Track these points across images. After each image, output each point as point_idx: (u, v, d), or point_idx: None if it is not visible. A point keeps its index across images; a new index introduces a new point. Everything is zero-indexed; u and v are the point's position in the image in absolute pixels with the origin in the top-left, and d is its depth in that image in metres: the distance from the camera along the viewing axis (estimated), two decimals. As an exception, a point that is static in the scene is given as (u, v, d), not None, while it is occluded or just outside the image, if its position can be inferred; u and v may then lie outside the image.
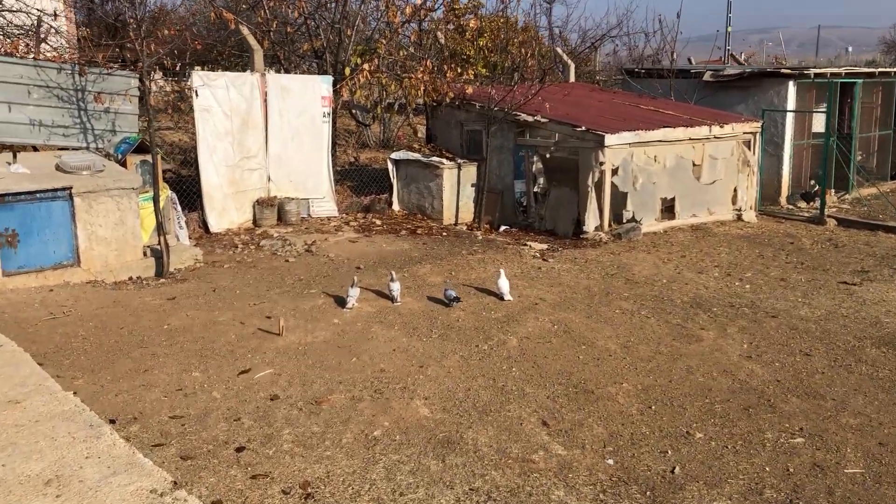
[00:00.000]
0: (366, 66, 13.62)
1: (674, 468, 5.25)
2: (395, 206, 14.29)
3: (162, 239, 9.95)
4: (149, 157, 10.61)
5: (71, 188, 9.42)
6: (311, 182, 13.46)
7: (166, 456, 5.17)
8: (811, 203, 16.09)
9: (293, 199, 13.10)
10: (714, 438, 5.69)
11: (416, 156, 14.02)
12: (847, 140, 16.87)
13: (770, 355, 7.44)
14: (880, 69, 17.97)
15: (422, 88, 13.72)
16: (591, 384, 6.64)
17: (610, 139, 12.03)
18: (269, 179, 12.97)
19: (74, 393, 6.04)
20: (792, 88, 15.69)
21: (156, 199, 10.04)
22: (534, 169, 13.16)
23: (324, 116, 13.44)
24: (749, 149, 14.65)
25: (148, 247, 10.27)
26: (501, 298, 8.94)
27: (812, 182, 16.97)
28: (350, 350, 7.31)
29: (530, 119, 12.93)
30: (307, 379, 6.59)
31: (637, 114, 14.14)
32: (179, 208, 11.39)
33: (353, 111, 17.18)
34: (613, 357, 7.29)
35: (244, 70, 13.31)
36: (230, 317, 8.21)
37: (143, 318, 8.14)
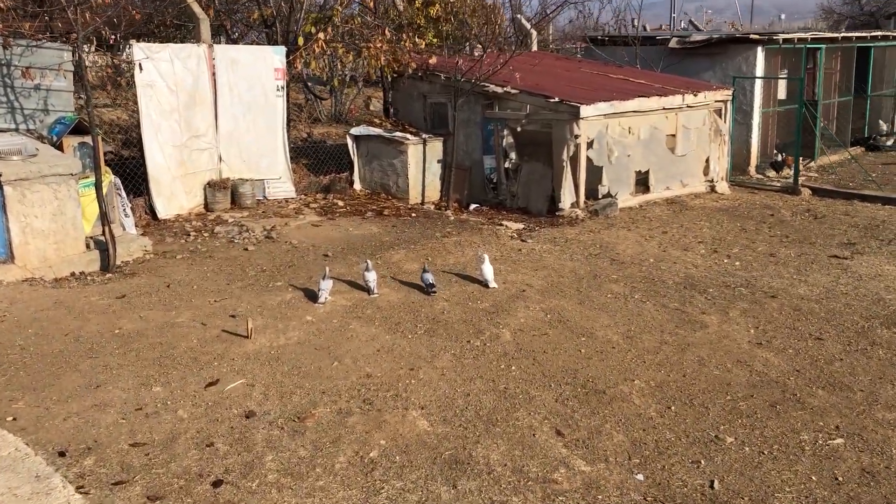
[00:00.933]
0: (321, 35, 12.68)
1: (712, 482, 4.68)
2: (357, 186, 13.46)
3: (107, 229, 8.99)
4: (88, 139, 9.59)
5: (0, 176, 8.38)
6: (266, 161, 12.54)
7: (131, 496, 4.38)
8: (780, 172, 15.81)
9: (247, 180, 12.18)
10: (747, 443, 5.15)
11: (378, 131, 13.19)
12: (811, 107, 16.61)
13: (780, 341, 6.95)
14: (843, 34, 17.70)
15: (382, 59, 12.85)
16: (600, 382, 6.03)
17: (585, 110, 11.40)
18: (220, 160, 12.02)
19: (13, 418, 5.21)
20: (760, 54, 15.28)
21: (98, 186, 9.06)
22: (504, 143, 12.46)
23: (277, 90, 12.49)
24: (720, 117, 14.20)
25: (91, 238, 9.30)
26: (486, 286, 8.27)
27: (776, 151, 16.69)
28: (329, 352, 6.57)
29: (500, 90, 12.22)
30: (285, 389, 5.83)
31: (608, 83, 13.54)
32: (124, 194, 10.40)
33: (308, 84, 16.19)
34: (617, 349, 6.71)
35: (185, 43, 12.26)
36: (189, 317, 7.37)
37: (90, 322, 7.24)
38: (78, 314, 7.45)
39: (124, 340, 6.77)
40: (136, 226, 10.56)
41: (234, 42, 14.21)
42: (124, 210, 10.23)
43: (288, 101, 13.07)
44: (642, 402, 5.72)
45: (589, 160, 11.81)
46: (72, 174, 8.95)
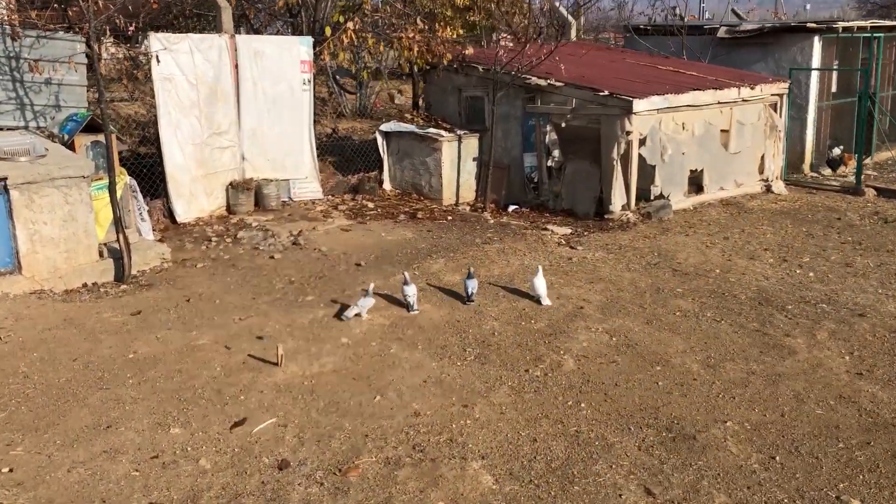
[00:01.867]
0: (349, 24, 11.86)
1: (848, 564, 3.82)
2: (387, 186, 12.65)
3: (121, 236, 8.24)
4: (101, 137, 8.84)
5: (6, 179, 7.65)
6: (292, 160, 11.75)
7: (141, 582, 3.61)
8: (836, 170, 14.81)
9: (272, 180, 11.39)
10: (877, 508, 4.28)
11: (410, 127, 12.36)
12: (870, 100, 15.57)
13: (882, 371, 6.06)
14: (901, 22, 16.60)
15: (415, 50, 12.01)
16: (686, 424, 5.18)
17: (638, 104, 10.50)
18: (243, 158, 11.24)
19: (10, 469, 4.45)
20: (817, 44, 14.28)
21: (112, 188, 8.31)
22: (547, 140, 11.59)
23: (304, 84, 11.69)
24: (776, 112, 13.23)
25: (105, 245, 8.57)
26: (539, 303, 7.43)
27: (830, 145, 15.67)
28: (369, 383, 5.77)
29: (543, 83, 11.34)
30: (322, 431, 5.04)
31: (658, 75, 12.61)
32: (140, 196, 9.66)
33: (336, 77, 15.39)
34: (699, 381, 5.85)
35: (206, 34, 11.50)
36: (212, 339, 6.59)
37: (102, 344, 6.48)
38: (89, 334, 6.70)
39: (139, 367, 6.00)
40: (154, 230, 9.82)
41: (257, 32, 13.43)
42: (140, 214, 9.49)
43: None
44: (740, 451, 4.86)
45: (641, 159, 10.91)
46: (84, 176, 8.21)
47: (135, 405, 5.39)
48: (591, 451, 4.84)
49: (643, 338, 6.69)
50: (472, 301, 7.39)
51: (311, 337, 6.61)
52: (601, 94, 10.74)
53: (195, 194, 10.64)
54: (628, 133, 10.62)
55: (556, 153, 11.58)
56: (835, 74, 15.63)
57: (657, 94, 10.86)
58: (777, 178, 13.32)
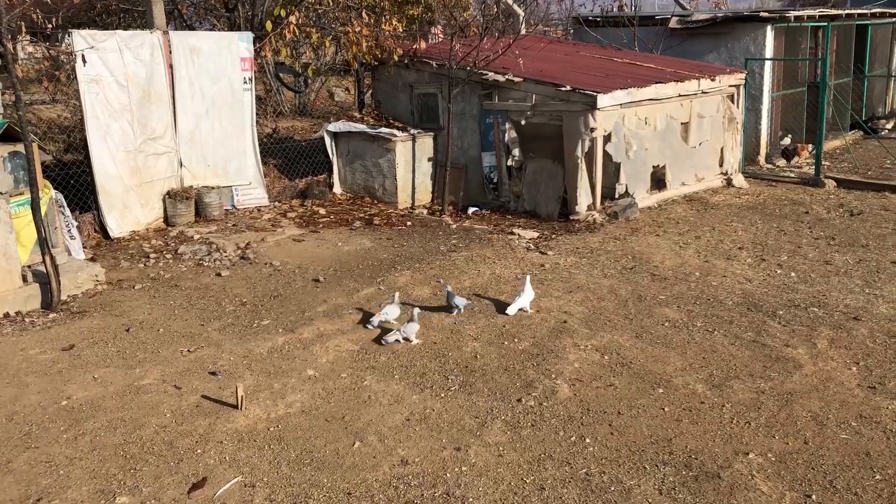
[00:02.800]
0: (291, 18, 11.05)
1: None
2: (338, 189, 11.90)
3: (47, 257, 7.33)
4: (20, 147, 7.86)
5: None
6: (234, 165, 10.91)
7: None
8: (791, 161, 14.66)
9: (213, 188, 10.54)
10: (935, 553, 3.81)
11: (361, 127, 11.63)
12: (816, 90, 15.49)
13: (895, 382, 5.66)
14: (846, 12, 16.59)
15: (363, 45, 11.28)
16: (706, 459, 4.66)
17: (602, 100, 10.00)
18: (181, 165, 10.35)
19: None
20: (770, 34, 14.05)
21: (35, 204, 7.39)
22: (506, 138, 11.01)
23: (245, 83, 10.86)
24: (733, 103, 12.96)
25: (29, 268, 7.64)
26: (524, 310, 6.88)
27: (781, 136, 15.54)
28: (344, 424, 5.08)
29: (501, 78, 10.74)
30: (297, 490, 4.34)
31: (617, 69, 12.17)
32: (68, 211, 8.72)
33: (279, 75, 14.51)
34: (708, 405, 5.34)
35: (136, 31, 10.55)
36: (158, 377, 5.80)
37: (28, 389, 5.63)
38: (12, 377, 5.83)
39: (75, 417, 5.19)
40: (85, 248, 8.90)
41: (190, 29, 12.50)
42: (69, 231, 8.55)
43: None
44: (772, 490, 4.36)
45: (606, 156, 10.43)
46: (1, 193, 7.26)
47: (71, 467, 4.59)
48: (607, 500, 4.26)
49: (637, 354, 6.16)
50: (458, 311, 6.95)
51: (272, 370, 5.88)
52: (563, 89, 10.21)
53: (129, 206, 9.72)
54: (592, 130, 10.12)
55: (516, 152, 11.01)
56: (781, 64, 15.50)
57: (620, 89, 10.38)
58: (736, 171, 13.06)
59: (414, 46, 11.56)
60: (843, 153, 15.47)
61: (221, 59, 10.49)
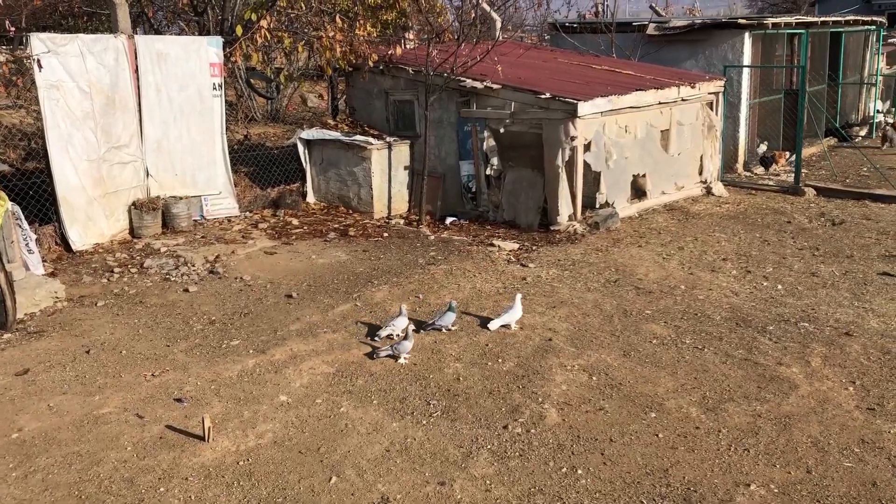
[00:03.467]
0: (263, 22, 10.69)
1: None
2: (311, 199, 11.55)
3: (2, 274, 6.91)
4: (-26, 158, 7.44)
5: None
6: (203, 175, 10.51)
7: None
8: (769, 168, 14.56)
9: (181, 198, 10.14)
10: None
11: (335, 134, 11.29)
12: (794, 97, 15.44)
13: (894, 403, 5.47)
14: (821, 19, 16.59)
15: (337, 50, 10.95)
16: (705, 490, 4.40)
17: (583, 108, 9.77)
18: (147, 174, 9.94)
19: None
20: (748, 41, 13.94)
21: (-11, 218, 6.97)
22: (484, 147, 10.74)
23: (214, 89, 10.47)
24: (712, 110, 12.81)
25: (-18, 286, 7.18)
26: (508, 327, 6.62)
27: (757, 143, 15.45)
28: (320, 457, 4.75)
29: (479, 85, 10.47)
30: (269, 533, 4.00)
31: (596, 76, 11.96)
32: (25, 224, 8.27)
33: (250, 81, 14.12)
34: (703, 430, 5.09)
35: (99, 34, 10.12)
36: (119, 404, 5.42)
37: (-23, 419, 5.23)
38: (-39, 406, 5.41)
39: (26, 452, 4.80)
40: (44, 262, 8.46)
41: (158, 33, 12.09)
42: (27, 245, 8.11)
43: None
44: (776, 525, 4.11)
45: (586, 165, 10.19)
46: (-48, 206, 6.84)
47: (21, 510, 4.22)
48: (604, 539, 3.99)
49: (625, 375, 5.90)
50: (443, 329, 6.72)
51: (241, 396, 5.53)
52: (543, 96, 9.96)
53: (93, 217, 9.29)
54: (573, 138, 9.88)
55: (494, 161, 10.74)
56: (757, 71, 15.42)
57: (601, 96, 10.16)
58: (716, 179, 12.92)
59: (389, 52, 11.25)
60: (820, 160, 15.43)
61: (190, 64, 10.10)
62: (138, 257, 8.85)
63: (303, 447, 4.85)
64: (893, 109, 20.68)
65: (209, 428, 4.84)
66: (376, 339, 6.46)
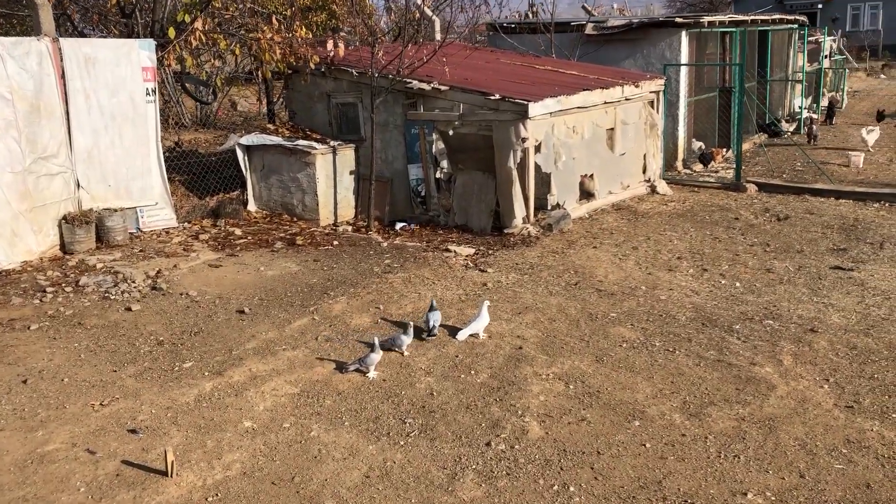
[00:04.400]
0: (197, 24, 10.21)
1: None
2: (252, 207, 11.10)
3: (-77, 299, 6.32)
4: None
5: None
6: (138, 185, 9.96)
7: None
8: (708, 165, 14.75)
9: (116, 210, 9.58)
10: None
11: (277, 139, 10.87)
12: (727, 94, 15.74)
13: (870, 400, 5.46)
14: (751, 17, 16.94)
15: (277, 52, 10.54)
16: (703, 502, 4.25)
17: (534, 108, 9.63)
18: (78, 186, 9.36)
19: None
20: (685, 39, 14.09)
21: None
22: (433, 150, 10.50)
23: (147, 94, 9.94)
24: (654, 109, 12.89)
25: None
26: (476, 336, 6.40)
27: (695, 141, 15.66)
28: (296, 488, 4.43)
29: (426, 87, 10.22)
30: (250, 578, 3.66)
31: (541, 76, 11.86)
32: (-54, 243, 7.64)
33: (185, 85, 13.52)
34: (689, 437, 4.96)
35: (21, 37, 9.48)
36: (67, 439, 4.97)
37: None
38: None
39: (-35, 500, 4.32)
40: (-32, 284, 7.83)
41: (84, 36, 11.44)
42: (-51, 266, 7.48)
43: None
44: (779, 535, 3.99)
45: (537, 167, 10.06)
46: None
47: (-36, 568, 3.76)
48: (609, 562, 3.79)
49: (602, 382, 5.75)
50: (434, 335, 6.49)
51: (202, 423, 5.14)
52: (492, 98, 9.78)
53: (20, 233, 8.68)
54: (524, 140, 9.74)
55: (444, 164, 10.51)
56: (693, 69, 15.63)
57: (550, 97, 10.05)
58: (659, 177, 12.99)
59: (331, 53, 10.89)
60: (754, 156, 15.74)
61: (121, 68, 9.55)
62: (73, 275, 8.29)
63: (275, 477, 4.52)
64: (815, 105, 21.36)
65: (172, 461, 4.45)
66: (424, 337, 6.45)
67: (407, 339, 6.16)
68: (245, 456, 4.74)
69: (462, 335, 6.46)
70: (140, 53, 9.75)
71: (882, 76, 32.50)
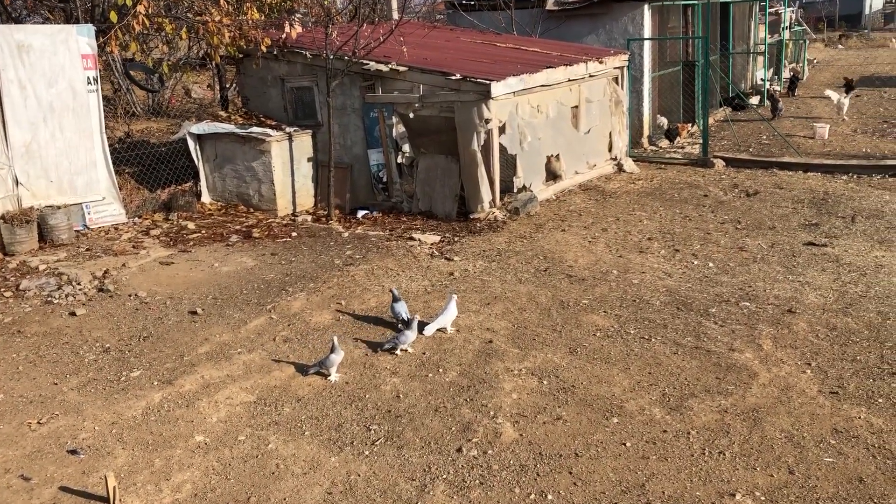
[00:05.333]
0: (140, 7, 9.64)
1: None
2: (206, 199, 10.63)
3: None
4: None
5: None
6: (83, 179, 9.45)
7: None
8: (674, 141, 14.53)
9: (59, 207, 9.08)
10: None
11: (229, 127, 10.39)
12: (691, 69, 15.53)
13: (855, 384, 5.25)
14: (713, -10, 16.68)
15: (226, 35, 10.04)
16: (688, 507, 3.99)
17: (497, 88, 9.28)
18: (17, 183, 8.84)
19: None
20: (647, 13, 13.80)
21: None
22: (394, 133, 10.10)
23: (89, 83, 9.40)
24: (618, 85, 12.61)
25: None
26: (444, 331, 6.06)
27: (660, 117, 15.44)
28: (252, 508, 4.07)
29: (384, 68, 9.80)
30: None
31: (502, 54, 11.49)
32: None
33: (129, 73, 12.90)
34: (671, 433, 4.70)
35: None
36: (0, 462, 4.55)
37: None
38: None
39: None
40: None
41: (18, 22, 10.80)
42: None
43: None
44: (772, 540, 3.73)
45: (502, 148, 9.72)
46: None
47: None
48: (593, 580, 3.50)
49: (577, 375, 5.46)
50: (413, 329, 6.01)
51: (150, 440, 4.75)
52: (453, 78, 9.40)
53: (-47, 236, 8.14)
54: (487, 121, 9.38)
55: (405, 148, 10.13)
56: (656, 44, 15.38)
57: (513, 76, 9.69)
58: (625, 155, 12.73)
59: (283, 35, 10.40)
60: (719, 130, 15.56)
61: (58, 56, 9.00)
62: (13, 278, 7.79)
63: (230, 498, 4.16)
64: (777, 77, 21.29)
65: (114, 488, 4.06)
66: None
67: (412, 336, 5.82)
68: (196, 475, 4.37)
69: (429, 330, 6.13)
70: (79, 40, 9.20)
71: (840, 46, 32.67)
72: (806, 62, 23.08)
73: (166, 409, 5.12)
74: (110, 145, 10.34)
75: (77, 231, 9.20)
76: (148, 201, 10.35)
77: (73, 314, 6.89)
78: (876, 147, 12.89)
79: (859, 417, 4.80)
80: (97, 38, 9.48)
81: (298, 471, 4.40)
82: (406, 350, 5.80)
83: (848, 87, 17.53)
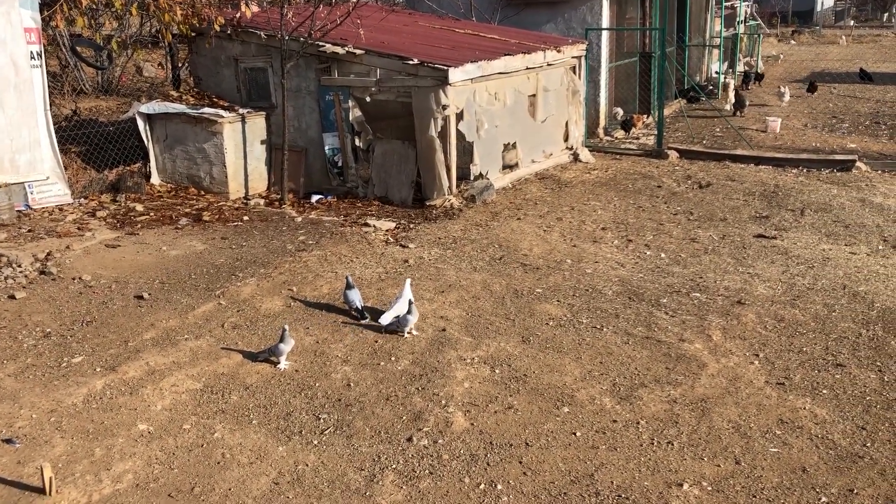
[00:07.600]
0: (87, -19, 9.34)
1: None
2: (156, 180, 10.37)
3: None
4: None
5: None
6: (25, 158, 9.14)
7: None
8: (629, 132, 14.64)
9: (0, 186, 8.74)
10: None
11: (180, 107, 10.14)
12: (647, 60, 15.65)
13: (800, 375, 5.33)
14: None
15: (178, 12, 9.77)
16: (637, 496, 4.01)
17: (455, 74, 9.20)
18: (-45, 160, 8.48)
19: None
20: (606, 3, 13.85)
21: None
22: (349, 117, 9.95)
23: (32, 58, 9.07)
24: (576, 75, 12.62)
25: None
26: (405, 331, 5.96)
27: (615, 108, 15.54)
28: (195, 499, 3.99)
29: (340, 51, 9.64)
30: None
31: (461, 40, 11.41)
32: None
33: (75, 49, 12.49)
34: (621, 422, 4.72)
35: None
36: (-70, 454, 4.37)
37: None
38: None
39: None
40: None
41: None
42: None
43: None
44: (718, 530, 3.77)
45: (459, 135, 9.66)
46: None
47: None
48: (541, 571, 3.49)
49: (529, 364, 5.45)
50: (366, 318, 6.07)
51: (90, 429, 4.61)
52: (410, 62, 9.29)
53: None
54: (445, 107, 9.31)
55: (362, 132, 9.99)
56: (614, 35, 15.45)
57: (471, 62, 9.62)
58: (581, 145, 12.78)
59: (238, 14, 10.15)
60: (674, 122, 15.71)
61: (-1, 29, 8.65)
62: (-51, 259, 7.49)
63: (173, 488, 4.05)
64: (731, 70, 21.58)
65: (50, 478, 3.93)
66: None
67: (413, 319, 5.78)
68: (139, 464, 4.25)
69: (385, 319, 6.04)
70: (21, 13, 8.86)
71: (792, 42, 33.26)
72: (760, 57, 23.43)
73: (109, 397, 4.97)
74: (56, 123, 10.02)
75: (19, 211, 8.90)
76: (95, 182, 10.06)
77: (12, 297, 6.66)
78: (825, 142, 13.15)
79: (804, 408, 4.88)
80: (42, 11, 9.15)
81: (245, 460, 4.31)
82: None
83: (811, 88, 17.95)
